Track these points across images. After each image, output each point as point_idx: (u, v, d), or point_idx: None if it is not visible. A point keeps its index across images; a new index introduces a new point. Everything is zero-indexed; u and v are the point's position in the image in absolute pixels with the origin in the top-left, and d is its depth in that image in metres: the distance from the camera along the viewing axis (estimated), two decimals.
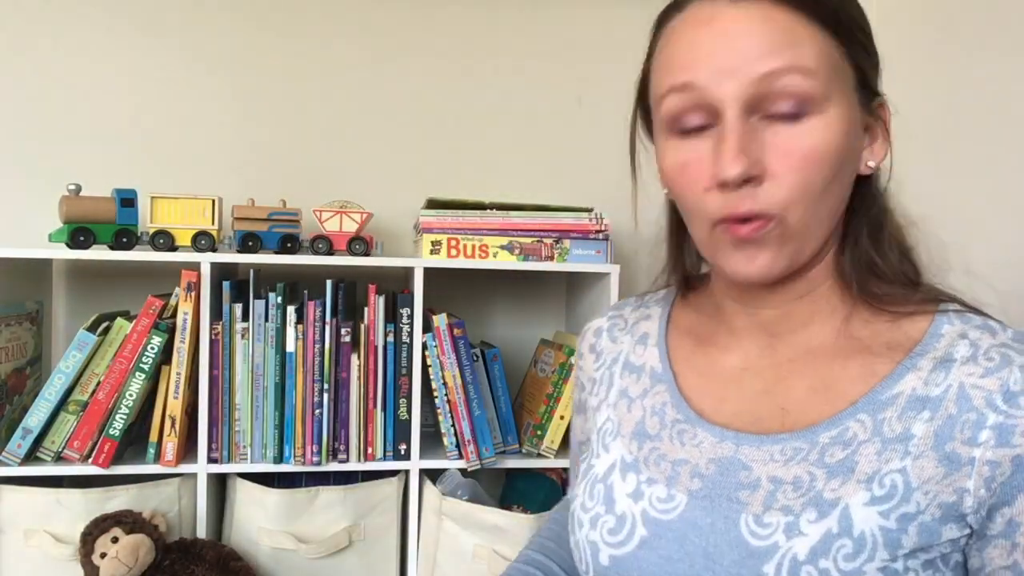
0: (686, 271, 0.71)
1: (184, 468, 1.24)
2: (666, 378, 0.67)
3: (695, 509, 0.58)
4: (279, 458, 1.26)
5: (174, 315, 1.24)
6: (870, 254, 0.60)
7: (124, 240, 1.25)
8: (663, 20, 0.60)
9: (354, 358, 1.28)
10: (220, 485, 1.33)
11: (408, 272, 1.36)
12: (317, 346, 1.26)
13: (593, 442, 0.70)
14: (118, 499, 1.20)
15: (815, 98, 0.53)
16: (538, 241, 1.36)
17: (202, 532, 1.25)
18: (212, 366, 1.24)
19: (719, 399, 0.63)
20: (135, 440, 1.31)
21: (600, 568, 0.62)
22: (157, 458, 1.23)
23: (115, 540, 1.12)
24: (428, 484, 1.32)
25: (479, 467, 1.31)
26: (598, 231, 1.37)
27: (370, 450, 1.29)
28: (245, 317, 1.25)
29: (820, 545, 0.52)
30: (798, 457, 0.56)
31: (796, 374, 0.60)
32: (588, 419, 0.75)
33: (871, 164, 0.59)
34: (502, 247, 1.35)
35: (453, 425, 1.30)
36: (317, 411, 1.27)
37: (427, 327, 1.30)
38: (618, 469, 0.65)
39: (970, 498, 0.51)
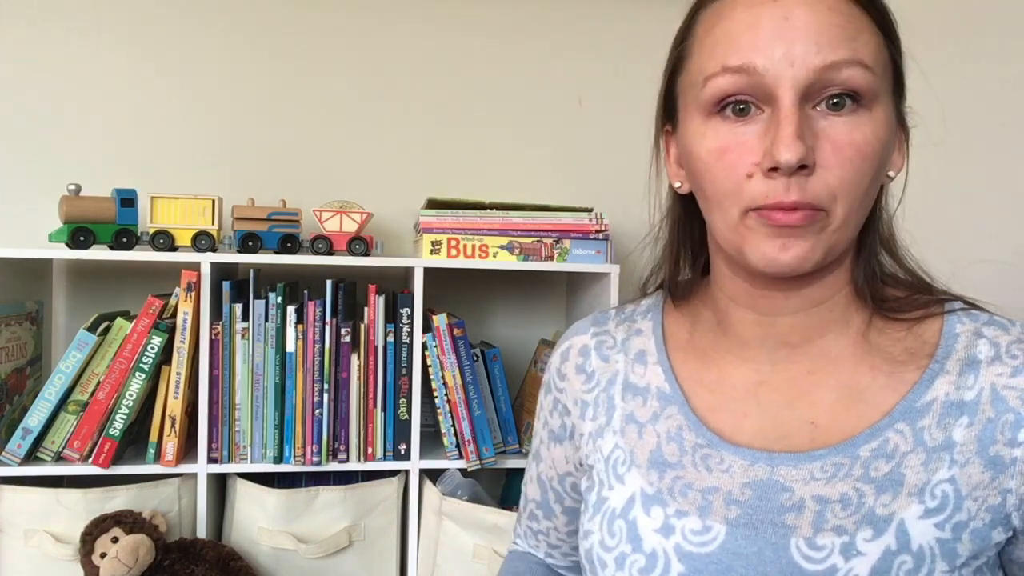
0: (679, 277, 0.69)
1: (184, 468, 1.24)
2: (676, 399, 0.63)
3: (737, 538, 0.56)
4: (279, 458, 1.26)
5: (174, 315, 1.24)
6: (882, 262, 0.60)
7: (124, 240, 1.25)
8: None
9: (354, 358, 1.28)
10: (220, 485, 1.33)
11: (408, 272, 1.36)
12: (317, 346, 1.26)
13: (600, 472, 0.66)
14: (118, 499, 1.20)
15: (869, 94, 0.52)
16: (538, 241, 1.36)
17: (202, 532, 1.25)
18: (212, 366, 1.24)
19: (738, 417, 0.60)
20: (135, 440, 1.31)
21: None
22: (157, 458, 1.23)
23: (115, 540, 1.11)
24: (428, 484, 1.32)
25: (479, 467, 1.31)
26: (598, 231, 1.37)
27: (370, 450, 1.29)
28: (245, 317, 1.25)
29: (881, 564, 0.52)
30: (840, 473, 0.55)
31: (819, 385, 0.58)
32: (581, 446, 0.70)
33: (891, 173, 0.58)
34: (502, 247, 1.35)
35: (453, 425, 1.30)
36: (317, 411, 1.27)
37: (427, 327, 1.30)
38: (639, 502, 0.61)
39: (1012, 497, 0.52)
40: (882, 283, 0.60)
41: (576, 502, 0.74)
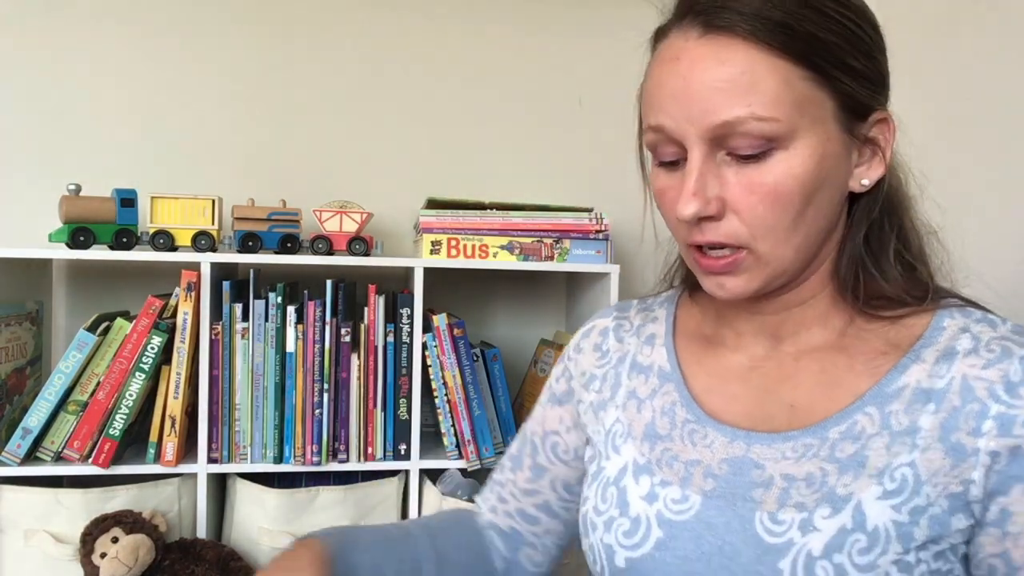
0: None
1: (184, 468, 1.24)
2: (674, 377, 0.68)
3: (710, 509, 0.59)
4: (279, 458, 1.26)
5: (174, 315, 1.24)
6: (867, 267, 0.61)
7: (124, 240, 1.25)
8: (655, 41, 0.61)
9: (354, 358, 1.28)
10: (220, 485, 1.33)
11: (408, 272, 1.36)
12: (317, 346, 1.26)
13: (599, 444, 0.70)
14: (118, 499, 1.20)
15: (776, 138, 0.54)
16: (538, 241, 1.36)
17: (202, 532, 1.25)
18: (212, 366, 1.24)
19: (728, 398, 0.64)
20: (135, 440, 1.31)
21: (616, 570, 0.63)
22: (157, 458, 1.23)
23: (115, 540, 1.12)
24: (428, 484, 1.32)
25: (479, 467, 1.31)
26: (598, 231, 1.37)
27: (370, 450, 1.29)
28: (245, 317, 1.25)
29: (834, 540, 0.53)
30: (809, 453, 0.57)
31: (803, 371, 0.61)
32: (580, 414, 0.74)
33: (864, 183, 0.59)
34: (502, 247, 1.35)
35: (453, 425, 1.30)
36: (317, 411, 1.27)
37: (427, 327, 1.30)
38: (630, 472, 0.65)
39: (976, 488, 0.53)
40: (883, 280, 0.61)
41: (550, 463, 0.77)
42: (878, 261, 0.61)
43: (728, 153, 0.55)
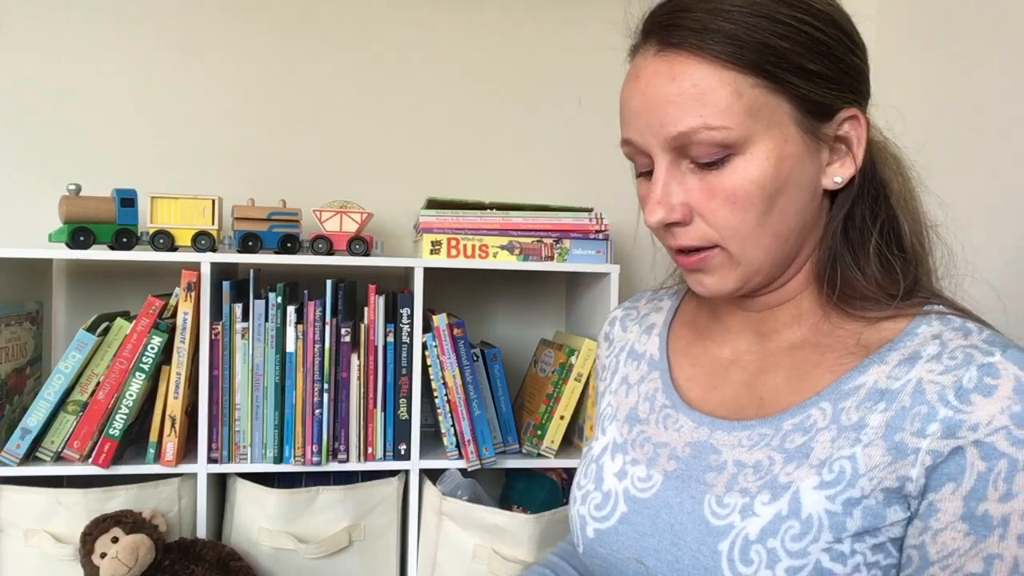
0: None
1: (184, 468, 1.24)
2: (661, 366, 0.72)
3: (668, 489, 0.63)
4: (279, 458, 1.26)
5: (174, 315, 1.24)
6: (845, 262, 0.62)
7: (124, 240, 1.25)
8: (629, 61, 0.63)
9: (354, 358, 1.28)
10: (220, 485, 1.33)
11: (408, 272, 1.36)
12: (317, 346, 1.26)
13: (596, 426, 0.76)
14: (118, 499, 1.20)
15: (731, 144, 0.56)
16: (538, 241, 1.36)
17: (202, 532, 1.25)
18: (212, 366, 1.24)
19: (708, 388, 0.68)
20: (135, 440, 1.31)
21: (587, 540, 0.68)
22: (157, 458, 1.23)
23: (115, 540, 1.11)
24: (428, 484, 1.32)
25: (479, 467, 1.31)
26: (598, 231, 1.37)
27: (370, 450, 1.29)
28: (245, 317, 1.25)
29: (770, 526, 0.56)
30: (762, 443, 0.60)
31: (778, 366, 0.64)
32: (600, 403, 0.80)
33: (837, 180, 0.61)
34: (502, 247, 1.35)
35: (453, 425, 1.30)
36: (317, 411, 1.27)
37: (427, 327, 1.30)
38: (609, 450, 0.71)
39: (911, 485, 0.53)
40: (860, 276, 0.61)
41: None
42: (856, 257, 0.62)
43: (691, 161, 0.58)
